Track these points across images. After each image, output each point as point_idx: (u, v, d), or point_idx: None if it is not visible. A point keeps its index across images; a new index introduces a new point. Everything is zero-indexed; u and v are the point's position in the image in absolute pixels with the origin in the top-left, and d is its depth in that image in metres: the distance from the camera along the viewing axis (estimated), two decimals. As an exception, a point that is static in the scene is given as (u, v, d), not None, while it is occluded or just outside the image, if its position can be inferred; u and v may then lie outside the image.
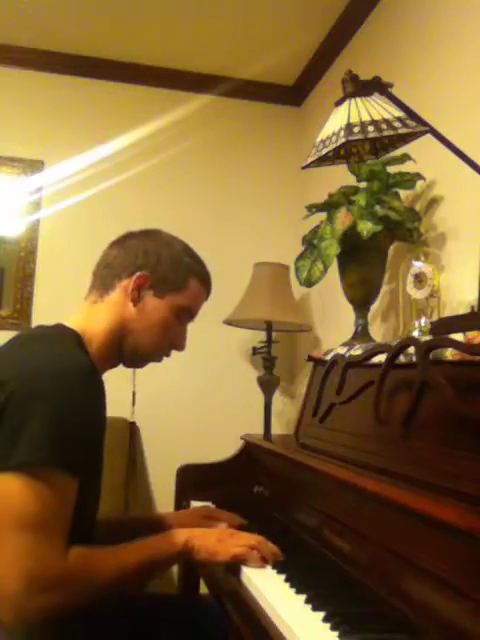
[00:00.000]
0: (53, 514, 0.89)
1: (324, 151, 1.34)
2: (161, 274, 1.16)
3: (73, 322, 1.13)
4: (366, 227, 1.57)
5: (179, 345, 1.23)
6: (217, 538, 1.08)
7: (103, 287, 1.16)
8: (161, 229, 1.24)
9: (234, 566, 1.07)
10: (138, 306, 1.14)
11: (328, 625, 0.82)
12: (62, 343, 1.05)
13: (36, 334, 1.14)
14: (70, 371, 0.96)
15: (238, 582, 1.05)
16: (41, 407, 0.91)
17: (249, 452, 1.83)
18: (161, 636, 1.15)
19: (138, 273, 1.14)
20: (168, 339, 1.19)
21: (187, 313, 1.21)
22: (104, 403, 1.06)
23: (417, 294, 1.47)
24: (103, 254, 1.21)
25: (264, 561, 1.05)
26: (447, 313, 1.52)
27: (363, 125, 1.26)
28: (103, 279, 1.17)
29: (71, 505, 0.92)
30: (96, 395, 1.01)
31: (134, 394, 1.31)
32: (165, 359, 1.24)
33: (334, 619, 0.83)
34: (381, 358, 1.18)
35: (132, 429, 2.62)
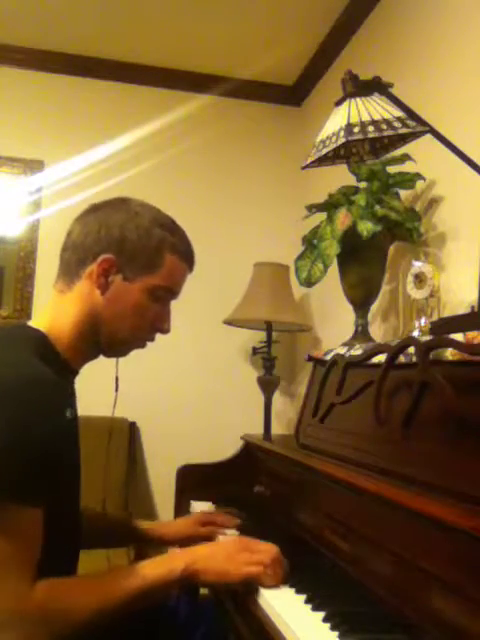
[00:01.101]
0: (14, 551, 0.82)
1: (324, 151, 1.34)
2: (128, 254, 1.01)
3: (41, 318, 1.04)
4: (366, 227, 1.57)
5: (162, 327, 1.09)
6: (225, 555, 0.97)
7: (68, 274, 1.05)
8: (129, 197, 1.09)
9: (250, 586, 0.97)
10: (107, 294, 1.02)
11: (328, 625, 0.82)
12: (13, 354, 0.92)
13: None
14: (20, 388, 0.85)
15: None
16: None
17: (249, 452, 1.83)
18: (161, 636, 1.15)
19: (102, 257, 1.01)
20: (147, 323, 1.06)
21: (166, 293, 1.07)
22: (64, 413, 0.94)
23: (417, 294, 1.47)
24: (67, 232, 1.08)
25: (278, 582, 0.96)
26: (447, 313, 1.52)
27: (363, 125, 1.26)
28: (67, 265, 1.05)
29: (36, 537, 0.85)
30: (51, 409, 0.88)
31: (117, 380, 1.20)
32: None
33: (334, 619, 0.83)
34: (381, 358, 1.18)
35: (132, 429, 2.63)
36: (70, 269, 1.05)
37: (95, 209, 1.07)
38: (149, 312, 1.06)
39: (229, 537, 1.23)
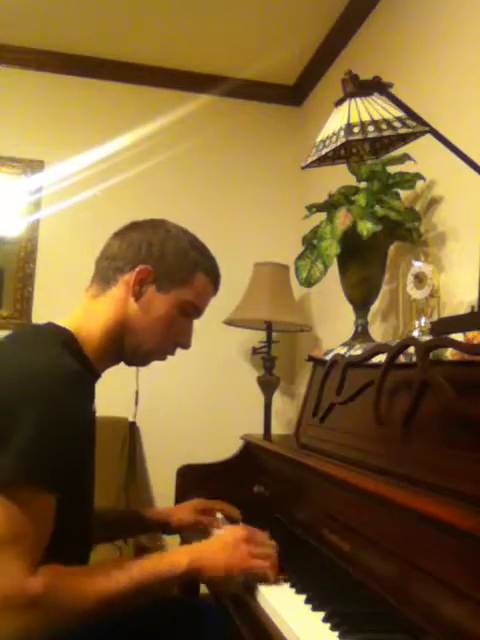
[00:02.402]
0: (25, 533, 0.84)
1: (324, 151, 1.34)
2: (165, 268, 1.09)
3: (70, 318, 1.08)
4: (366, 227, 1.57)
5: (184, 343, 1.17)
6: (229, 552, 0.98)
7: (104, 280, 1.10)
8: (166, 220, 1.17)
9: (250, 586, 0.99)
10: (140, 302, 1.08)
11: (328, 625, 0.82)
12: (45, 347, 0.97)
13: (18, 337, 1.06)
14: (51, 380, 0.89)
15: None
16: (20, 421, 0.85)
17: (249, 452, 1.83)
18: (161, 636, 1.15)
19: (140, 267, 1.08)
20: (172, 336, 1.13)
21: (193, 309, 1.15)
22: (90, 408, 1.01)
23: (417, 294, 1.47)
24: (105, 245, 1.15)
25: (276, 571, 0.99)
26: (447, 313, 1.52)
27: (363, 125, 1.26)
28: (104, 272, 1.11)
29: (47, 523, 0.87)
30: (80, 403, 0.94)
31: (137, 393, 1.26)
32: (168, 358, 1.20)
33: (334, 619, 0.83)
34: (381, 358, 1.18)
35: (132, 429, 2.62)
36: (107, 276, 1.10)
37: (135, 227, 1.14)
38: (175, 325, 1.13)
39: (229, 527, 1.26)
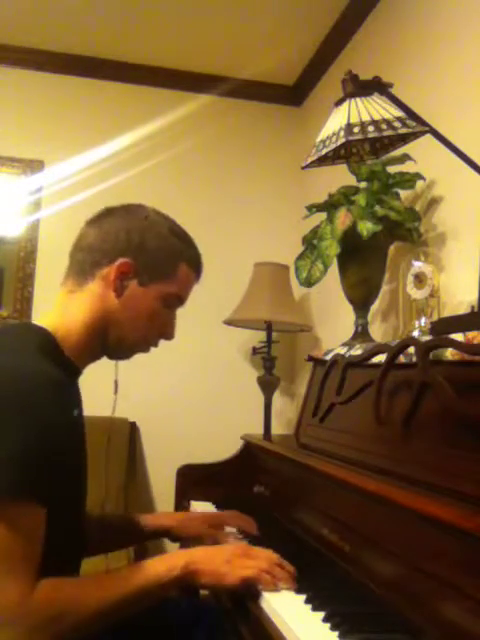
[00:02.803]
0: (17, 548, 0.82)
1: (324, 151, 1.34)
2: (146, 260, 1.04)
3: (47, 317, 1.04)
4: (366, 227, 1.57)
5: (168, 334, 1.12)
6: (224, 558, 0.97)
7: (81, 274, 1.05)
8: (144, 204, 1.11)
9: (250, 587, 0.96)
10: (122, 297, 1.03)
11: (328, 625, 0.82)
12: (19, 352, 0.93)
13: None
14: (26, 385, 0.86)
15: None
16: None
17: (249, 452, 1.83)
18: (160, 636, 1.15)
19: (120, 260, 1.02)
20: (156, 329, 1.09)
21: (176, 300, 1.10)
22: (70, 412, 0.97)
23: (417, 294, 1.46)
24: (80, 234, 1.08)
25: (277, 584, 0.95)
26: (447, 313, 1.52)
27: (363, 125, 1.26)
28: (80, 265, 1.05)
29: (38, 536, 0.85)
30: (60, 409, 0.89)
31: (116, 383, 1.21)
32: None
33: (334, 619, 0.83)
34: (381, 358, 1.18)
35: (132, 429, 2.63)
36: (83, 269, 1.05)
37: (111, 213, 1.08)
38: (159, 318, 1.08)
39: (230, 537, 1.23)
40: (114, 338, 1.06)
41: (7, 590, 0.81)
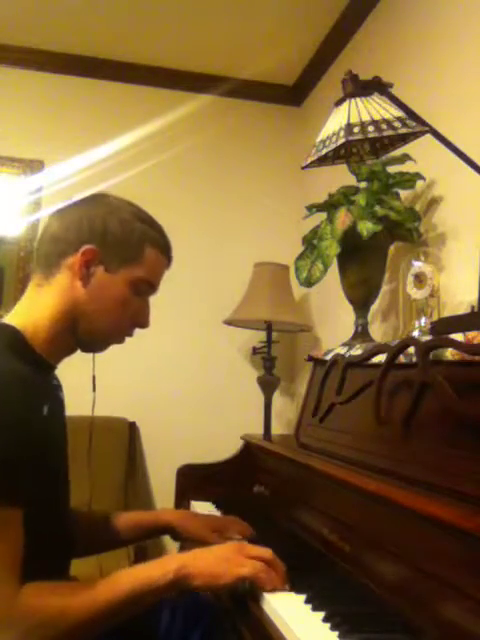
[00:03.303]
0: None
1: (324, 151, 1.34)
2: (111, 246, 1.01)
3: (15, 313, 1.02)
4: (366, 227, 1.57)
5: (142, 322, 1.09)
6: (219, 559, 0.94)
7: (47, 266, 1.02)
8: (107, 193, 1.09)
9: (250, 587, 0.95)
10: (89, 285, 1.00)
11: (328, 625, 0.82)
12: None
13: None
14: None
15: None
16: None
17: (249, 452, 1.83)
18: (160, 636, 1.15)
19: (84, 247, 0.99)
20: (128, 317, 1.06)
21: (146, 285, 1.06)
22: (41, 410, 0.93)
23: (417, 294, 1.46)
24: (44, 226, 1.06)
25: (274, 585, 0.94)
26: (447, 313, 1.52)
27: (363, 125, 1.26)
28: (46, 257, 1.03)
29: (17, 538, 0.83)
30: (29, 408, 0.87)
31: (94, 378, 1.18)
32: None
33: (334, 619, 0.83)
34: (381, 358, 1.18)
35: (132, 429, 2.63)
36: (49, 261, 1.03)
37: (74, 204, 1.06)
38: (130, 306, 1.05)
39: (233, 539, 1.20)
40: (84, 329, 1.03)
41: None
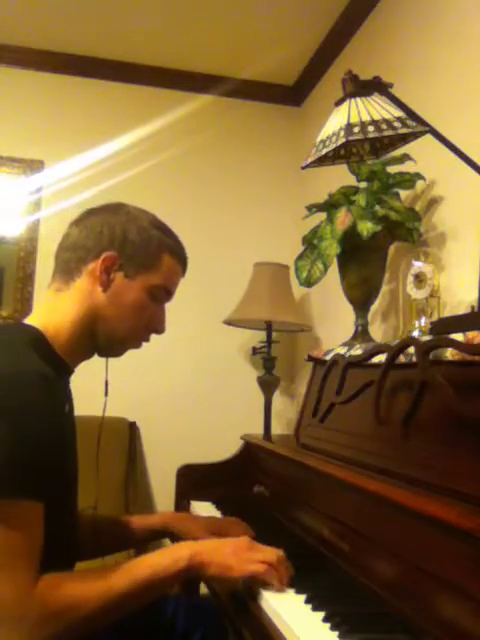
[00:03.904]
0: (15, 545, 0.82)
1: (324, 151, 1.34)
2: (130, 253, 1.05)
3: (36, 316, 1.05)
4: (366, 227, 1.57)
5: (158, 327, 1.12)
6: (230, 551, 0.96)
7: (67, 272, 1.06)
8: (125, 202, 1.13)
9: (250, 586, 0.97)
10: (108, 290, 1.04)
11: (328, 625, 0.82)
12: (10, 350, 0.93)
13: None
14: (18, 382, 0.86)
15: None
16: None
17: (249, 452, 1.83)
18: (160, 636, 1.15)
19: (105, 254, 1.03)
20: (145, 323, 1.09)
21: (163, 292, 1.10)
22: (61, 409, 0.96)
23: (417, 294, 1.46)
24: (64, 235, 1.10)
25: (283, 583, 0.95)
26: (447, 313, 1.52)
27: (363, 125, 1.26)
28: (66, 263, 1.06)
29: (37, 532, 0.85)
30: (50, 406, 0.89)
31: (107, 384, 1.20)
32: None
33: (334, 619, 0.83)
34: (381, 358, 1.18)
35: (132, 429, 2.63)
36: (69, 267, 1.06)
37: (92, 213, 1.10)
38: (147, 311, 1.08)
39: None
40: (103, 333, 1.06)
41: (7, 587, 0.81)
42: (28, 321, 1.04)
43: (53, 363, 0.97)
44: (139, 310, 1.07)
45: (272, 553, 0.97)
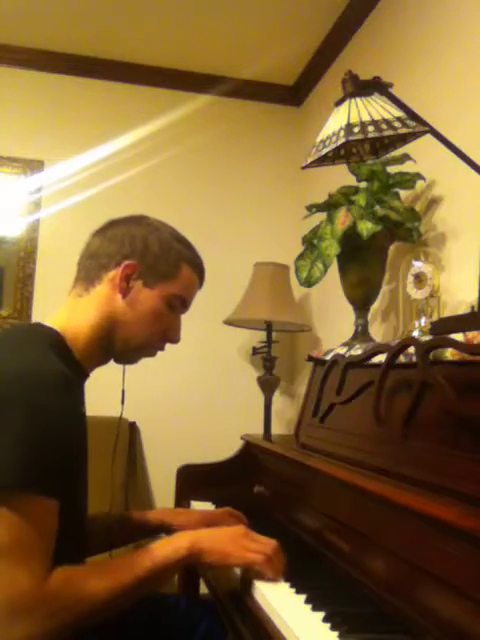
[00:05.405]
0: (29, 538, 0.83)
1: (324, 151, 1.34)
2: (150, 262, 1.08)
3: (56, 319, 1.07)
4: (366, 227, 1.57)
5: (173, 337, 1.15)
6: (228, 538, 1.00)
7: (88, 279, 1.09)
8: (146, 214, 1.16)
9: (246, 580, 1.00)
10: (127, 298, 1.07)
11: (328, 625, 0.82)
12: (31, 349, 0.95)
13: (3, 339, 1.04)
14: (39, 380, 0.88)
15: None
16: (8, 424, 0.84)
17: (249, 452, 1.83)
18: (160, 637, 1.15)
19: (125, 262, 1.06)
20: (161, 331, 1.12)
21: (180, 302, 1.13)
22: (77, 410, 0.99)
23: (417, 294, 1.46)
24: (86, 244, 1.14)
25: (272, 575, 0.98)
26: (447, 313, 1.52)
27: (363, 125, 1.26)
28: (88, 271, 1.10)
29: (51, 527, 0.87)
30: (67, 405, 0.92)
31: (123, 392, 1.23)
32: (161, 355, 1.18)
33: (334, 619, 0.83)
34: (381, 358, 1.18)
35: (132, 429, 2.63)
36: (90, 274, 1.09)
37: (115, 223, 1.13)
38: (164, 319, 1.11)
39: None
40: (120, 339, 1.08)
41: (21, 580, 0.82)
42: (49, 323, 1.06)
43: (71, 366, 0.99)
44: (156, 318, 1.10)
45: (267, 543, 1.00)
